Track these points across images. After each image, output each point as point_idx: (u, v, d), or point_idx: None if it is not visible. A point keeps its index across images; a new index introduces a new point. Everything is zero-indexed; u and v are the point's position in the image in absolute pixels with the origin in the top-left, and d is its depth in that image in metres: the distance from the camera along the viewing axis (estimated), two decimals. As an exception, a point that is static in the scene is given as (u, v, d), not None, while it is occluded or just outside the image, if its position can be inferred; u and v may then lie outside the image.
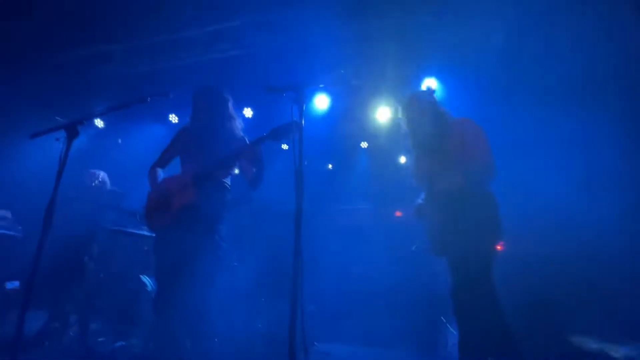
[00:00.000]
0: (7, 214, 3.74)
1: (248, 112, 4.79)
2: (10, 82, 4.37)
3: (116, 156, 5.30)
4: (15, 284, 3.63)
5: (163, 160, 2.26)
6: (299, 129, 1.46)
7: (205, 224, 2.00)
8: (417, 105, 2.05)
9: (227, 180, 2.19)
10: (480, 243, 1.79)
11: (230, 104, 2.26)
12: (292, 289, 1.34)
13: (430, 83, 3.92)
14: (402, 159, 5.82)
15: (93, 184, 3.42)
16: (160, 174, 2.20)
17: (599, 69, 3.10)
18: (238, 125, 2.26)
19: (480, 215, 1.79)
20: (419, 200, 2.13)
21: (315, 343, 3.38)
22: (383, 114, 4.55)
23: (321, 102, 4.50)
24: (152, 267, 3.25)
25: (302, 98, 1.49)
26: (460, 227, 1.80)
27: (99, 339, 2.60)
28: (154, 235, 2.52)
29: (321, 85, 1.60)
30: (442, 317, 3.82)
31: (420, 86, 4.01)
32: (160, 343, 1.94)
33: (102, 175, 3.55)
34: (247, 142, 2.16)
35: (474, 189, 1.83)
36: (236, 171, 2.20)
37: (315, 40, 3.31)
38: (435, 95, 2.07)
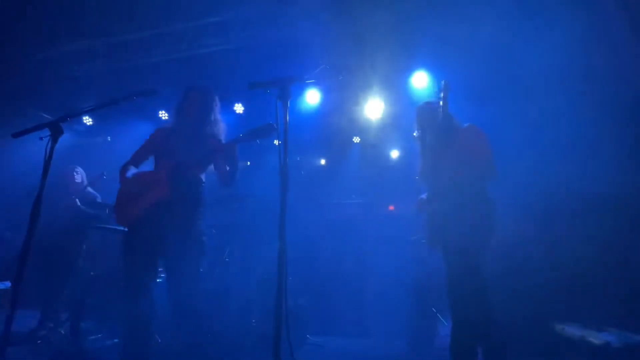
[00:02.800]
0: None
1: (239, 108, 4.77)
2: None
3: (106, 154, 5.25)
4: (7, 284, 3.61)
5: (135, 160, 2.21)
6: (274, 130, 1.46)
7: (182, 219, 1.98)
8: (428, 112, 2.22)
9: (202, 177, 2.18)
10: (474, 238, 1.92)
11: (217, 107, 2.27)
12: (277, 284, 1.35)
13: (420, 76, 3.94)
14: (394, 154, 5.86)
15: (74, 181, 3.39)
16: (132, 169, 2.16)
17: (593, 63, 3.13)
18: (221, 128, 2.25)
19: (476, 213, 1.93)
20: (422, 196, 2.28)
21: (308, 336, 3.42)
22: (373, 108, 4.56)
23: (312, 97, 4.49)
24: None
25: (287, 94, 1.48)
26: (456, 222, 1.94)
27: (91, 337, 2.60)
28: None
29: (308, 81, 1.58)
30: (433, 309, 3.89)
31: (410, 79, 4.03)
32: (130, 339, 1.92)
33: (80, 171, 3.54)
34: (222, 141, 2.18)
35: (472, 188, 1.96)
36: (211, 167, 2.20)
37: (303, 34, 3.30)
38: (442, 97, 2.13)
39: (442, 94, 2.04)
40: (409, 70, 3.97)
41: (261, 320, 3.10)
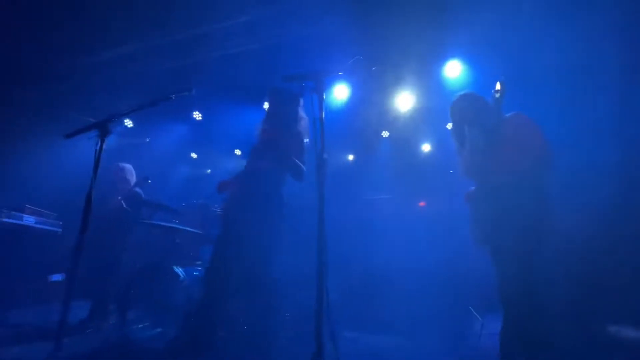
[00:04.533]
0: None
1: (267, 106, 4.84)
2: (43, 86, 4.63)
3: (145, 154, 5.53)
4: (59, 276, 3.91)
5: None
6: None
7: (253, 213, 2.15)
8: (470, 103, 2.09)
9: (276, 175, 2.30)
10: (529, 239, 1.80)
11: (300, 105, 2.40)
12: (317, 278, 1.35)
13: (453, 65, 3.78)
14: (425, 147, 5.70)
15: (123, 178, 3.54)
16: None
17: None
18: (304, 125, 2.36)
19: (531, 211, 1.80)
20: (472, 188, 2.17)
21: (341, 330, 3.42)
22: (404, 100, 4.45)
23: (340, 92, 4.46)
24: (184, 258, 3.41)
25: (321, 86, 1.48)
26: (507, 221, 1.83)
27: (137, 326, 2.76)
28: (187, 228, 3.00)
29: (340, 73, 1.56)
30: (470, 307, 3.76)
31: (442, 69, 3.87)
32: (195, 330, 2.05)
33: (127, 168, 3.66)
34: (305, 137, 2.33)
35: (527, 184, 1.83)
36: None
37: (332, 27, 3.26)
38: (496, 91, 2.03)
39: (498, 94, 1.92)
40: (441, 60, 3.82)
41: (294, 315, 3.16)
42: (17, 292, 3.66)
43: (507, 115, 2.00)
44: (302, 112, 2.38)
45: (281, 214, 2.24)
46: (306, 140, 2.33)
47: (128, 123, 5.57)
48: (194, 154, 6.52)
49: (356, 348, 3.07)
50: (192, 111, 5.36)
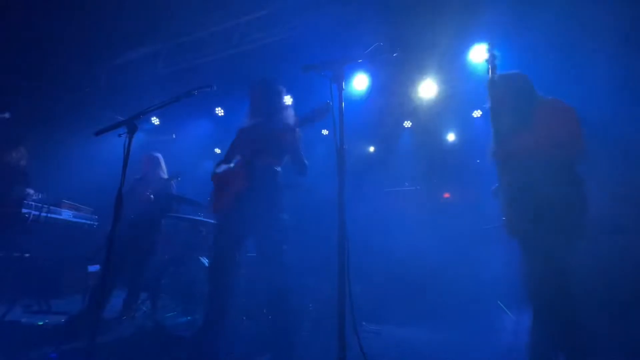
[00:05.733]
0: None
1: (287, 100, 4.84)
2: (74, 85, 4.86)
3: (171, 150, 5.71)
4: (96, 267, 4.14)
5: (227, 160, 2.45)
6: (329, 109, 1.46)
7: (259, 206, 2.15)
8: (506, 85, 2.02)
9: (277, 167, 2.31)
10: (561, 230, 1.71)
11: (283, 95, 2.39)
12: (338, 269, 1.34)
13: (479, 49, 3.61)
14: (450, 137, 5.52)
15: (151, 166, 3.61)
16: (223, 166, 2.42)
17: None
18: (290, 114, 2.34)
19: (564, 200, 1.71)
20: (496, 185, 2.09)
21: (364, 323, 3.42)
22: (427, 89, 4.31)
23: (360, 82, 4.39)
24: (209, 249, 3.51)
25: (341, 75, 1.44)
26: (539, 214, 1.74)
27: (168, 314, 2.88)
28: (211, 221, 2.96)
29: (360, 60, 1.52)
30: (498, 302, 3.64)
31: (467, 54, 3.70)
32: (212, 309, 2.13)
33: (156, 156, 3.71)
34: (298, 131, 2.27)
35: (559, 170, 1.75)
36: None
37: (353, 16, 3.19)
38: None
39: (489, 64, 1.96)
40: (466, 44, 3.65)
41: (316, 305, 3.20)
42: (58, 283, 3.92)
43: (545, 98, 1.90)
44: (285, 101, 2.36)
45: (281, 203, 2.25)
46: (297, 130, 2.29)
47: (155, 121, 5.77)
48: (217, 149, 6.68)
49: (378, 340, 3.06)
50: (215, 107, 5.47)
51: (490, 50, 2.06)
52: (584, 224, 1.72)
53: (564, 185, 1.73)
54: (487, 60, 2.09)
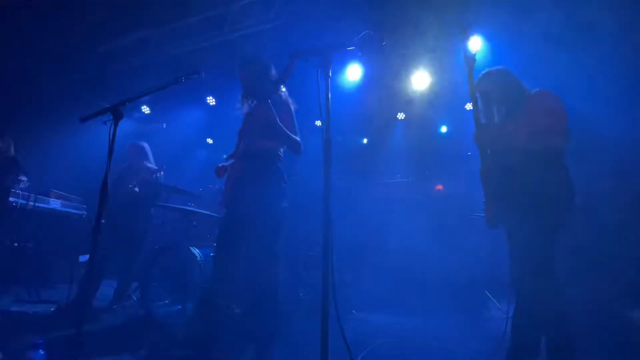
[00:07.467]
0: None
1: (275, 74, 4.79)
2: (60, 73, 4.75)
3: (162, 138, 5.64)
4: (87, 257, 4.11)
5: (235, 151, 2.42)
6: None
7: (258, 192, 2.13)
8: (493, 79, 2.03)
9: (275, 150, 2.27)
10: (547, 217, 1.72)
11: (272, 70, 2.31)
12: (322, 259, 1.35)
13: (474, 41, 3.59)
14: (443, 129, 5.53)
15: (136, 156, 3.55)
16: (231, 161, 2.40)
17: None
18: (284, 92, 2.31)
19: (549, 189, 1.73)
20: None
21: (354, 311, 3.47)
22: (420, 80, 4.30)
23: (353, 73, 4.35)
24: (200, 239, 3.51)
25: (328, 62, 1.42)
26: (524, 200, 1.76)
27: (158, 303, 2.89)
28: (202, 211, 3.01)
29: (349, 48, 1.49)
30: (485, 291, 3.71)
31: (465, 44, 3.68)
32: (209, 307, 2.12)
33: (141, 146, 3.63)
34: (292, 107, 2.26)
35: (545, 159, 1.76)
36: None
37: (345, 2, 3.14)
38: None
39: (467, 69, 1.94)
40: (461, 35, 3.63)
41: (308, 294, 3.23)
42: (48, 272, 3.90)
43: (533, 91, 1.91)
44: (275, 77, 2.28)
45: (281, 190, 2.21)
46: (293, 107, 2.27)
47: (145, 110, 5.66)
48: (209, 139, 6.61)
49: (366, 326, 3.11)
50: (206, 96, 5.39)
51: (467, 52, 2.02)
52: (567, 212, 1.74)
53: (548, 171, 1.74)
54: (466, 60, 2.04)
